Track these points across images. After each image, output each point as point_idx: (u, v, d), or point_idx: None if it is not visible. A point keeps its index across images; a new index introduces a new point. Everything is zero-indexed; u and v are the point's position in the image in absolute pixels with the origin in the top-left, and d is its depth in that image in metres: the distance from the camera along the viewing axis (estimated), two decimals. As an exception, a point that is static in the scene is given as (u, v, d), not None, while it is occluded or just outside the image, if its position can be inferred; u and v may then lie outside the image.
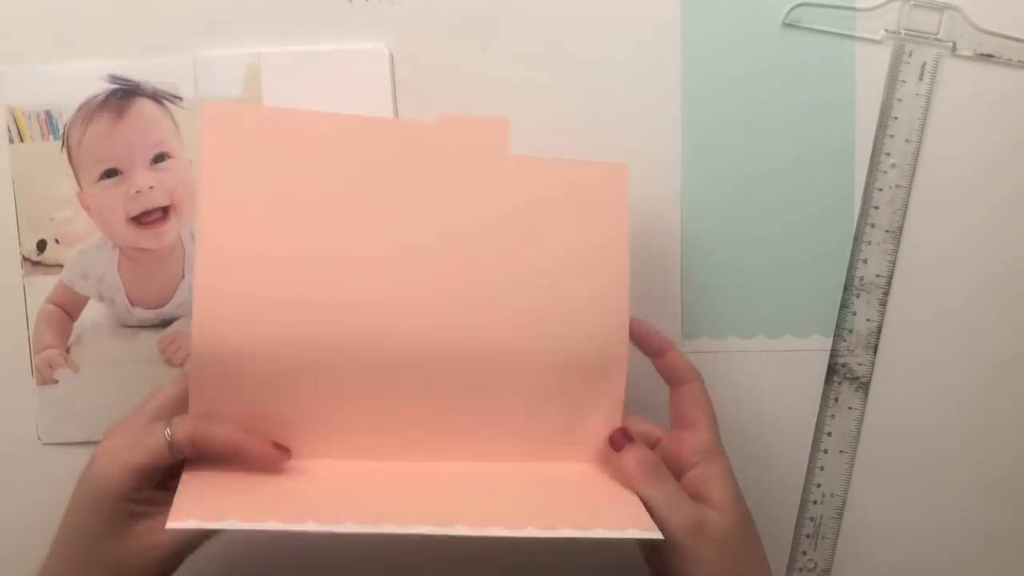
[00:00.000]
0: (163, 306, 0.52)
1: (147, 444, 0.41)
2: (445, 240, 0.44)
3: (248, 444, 0.42)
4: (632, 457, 0.44)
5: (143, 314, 0.52)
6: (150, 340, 0.52)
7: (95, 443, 0.52)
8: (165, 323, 0.52)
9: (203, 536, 0.42)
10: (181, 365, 0.52)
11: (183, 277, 0.52)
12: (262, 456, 0.42)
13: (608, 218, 0.46)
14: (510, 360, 0.45)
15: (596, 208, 0.45)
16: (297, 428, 0.44)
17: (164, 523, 0.39)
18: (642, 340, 0.47)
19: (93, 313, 0.52)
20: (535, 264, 0.45)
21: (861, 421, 0.53)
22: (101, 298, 0.52)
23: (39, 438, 0.53)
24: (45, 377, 0.52)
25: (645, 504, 0.42)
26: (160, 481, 0.42)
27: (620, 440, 0.45)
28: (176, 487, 0.41)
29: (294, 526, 0.38)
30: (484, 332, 0.45)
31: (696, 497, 0.43)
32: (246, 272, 0.42)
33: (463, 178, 0.45)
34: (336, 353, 0.43)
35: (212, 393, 0.42)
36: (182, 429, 0.41)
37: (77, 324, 0.52)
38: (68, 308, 0.52)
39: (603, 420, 0.46)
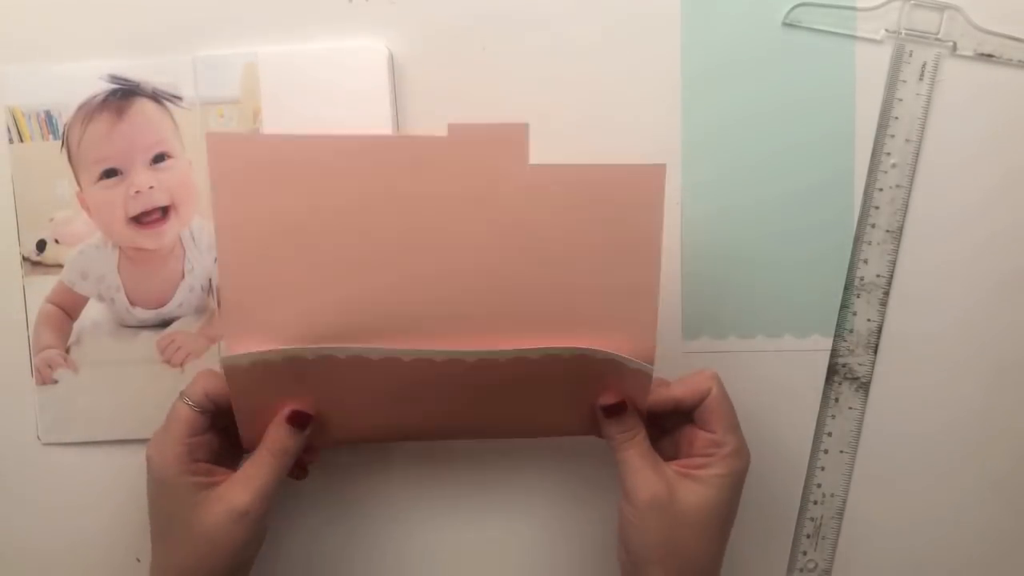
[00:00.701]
0: (163, 306, 0.53)
1: (173, 418, 0.46)
2: (469, 254, 0.44)
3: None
4: (616, 426, 0.47)
5: (143, 314, 0.53)
6: (150, 340, 0.53)
7: (95, 443, 0.53)
8: (165, 323, 0.53)
9: (278, 489, 0.46)
10: (181, 365, 0.52)
11: (183, 277, 0.52)
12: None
13: (640, 217, 0.44)
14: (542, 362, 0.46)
15: (629, 210, 0.44)
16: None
17: (235, 485, 0.45)
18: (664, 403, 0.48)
19: (93, 313, 0.53)
20: (564, 269, 0.45)
21: (861, 421, 0.53)
22: (101, 298, 0.53)
23: (39, 438, 0.54)
24: (45, 377, 0.53)
25: (619, 466, 0.46)
26: (216, 458, 0.47)
27: (612, 410, 0.47)
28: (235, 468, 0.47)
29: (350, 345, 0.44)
30: (516, 336, 0.45)
31: (684, 477, 0.46)
32: (268, 300, 0.44)
33: (483, 192, 0.44)
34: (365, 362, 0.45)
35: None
36: (194, 388, 0.46)
37: (77, 324, 0.53)
38: (68, 308, 0.53)
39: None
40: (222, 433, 0.47)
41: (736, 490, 0.47)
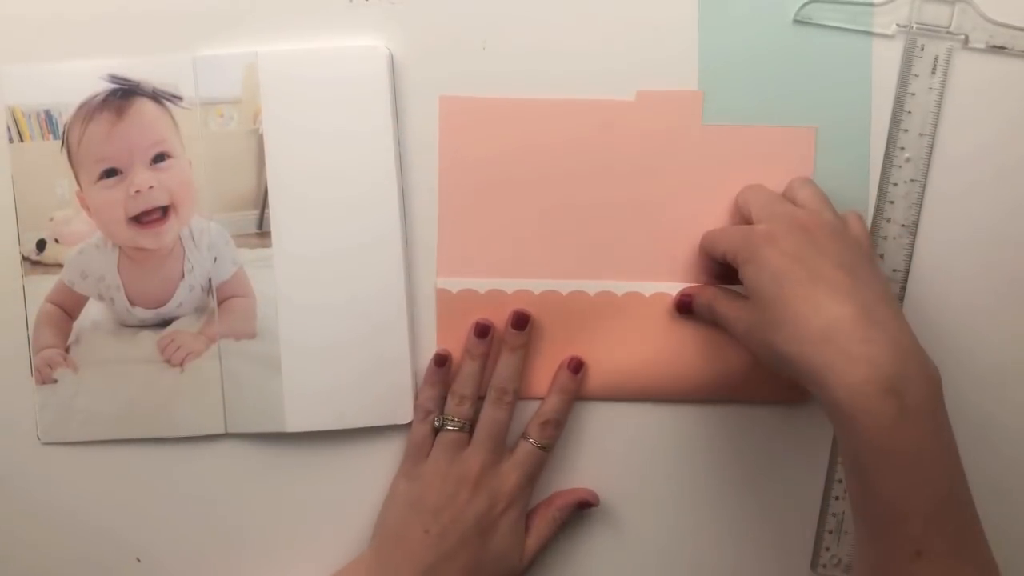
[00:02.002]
0: (163, 306, 0.54)
1: (527, 462, 0.53)
2: (646, 200, 0.53)
3: None
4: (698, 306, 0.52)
5: (143, 314, 0.54)
6: (150, 340, 0.54)
7: (95, 443, 0.55)
8: (165, 323, 0.54)
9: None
10: (181, 365, 0.54)
11: (183, 277, 0.53)
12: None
13: (795, 172, 0.52)
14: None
15: (785, 165, 0.52)
16: None
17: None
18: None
19: (93, 313, 0.54)
20: (731, 216, 0.53)
21: None
22: (101, 298, 0.54)
23: (38, 438, 0.55)
24: (44, 377, 0.54)
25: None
26: None
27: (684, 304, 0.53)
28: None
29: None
30: (686, 272, 0.54)
31: None
32: (477, 239, 0.53)
33: (663, 148, 0.53)
34: (550, 301, 0.54)
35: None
36: (546, 432, 0.53)
37: (77, 324, 0.54)
38: (68, 308, 0.54)
39: None
40: None
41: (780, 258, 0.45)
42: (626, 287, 0.53)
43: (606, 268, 0.53)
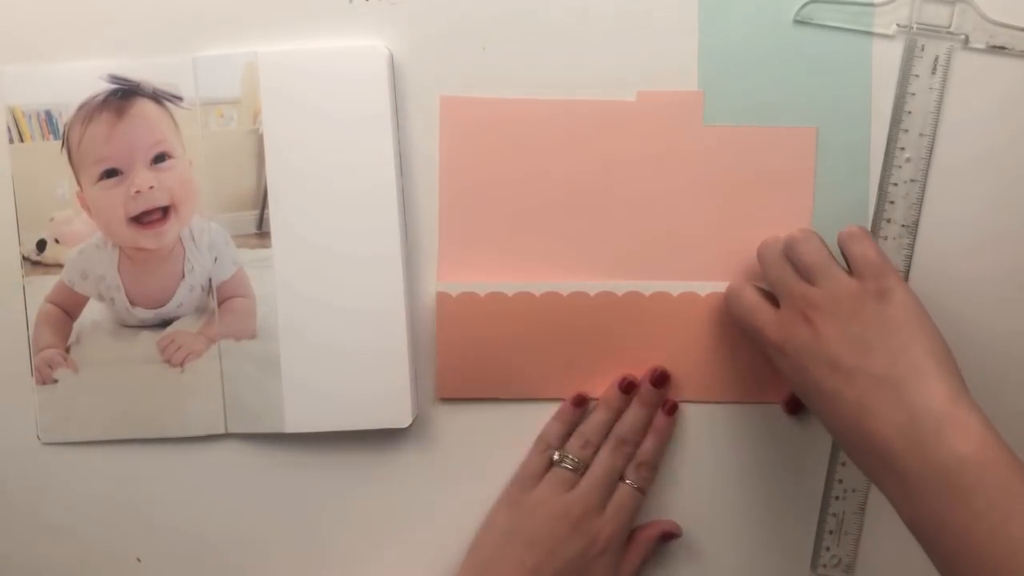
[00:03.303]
0: (163, 306, 0.54)
1: (628, 509, 0.54)
2: (647, 200, 0.54)
3: None
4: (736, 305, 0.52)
5: (143, 314, 0.54)
6: (150, 340, 0.54)
7: (95, 443, 0.55)
8: (165, 323, 0.54)
9: None
10: (181, 365, 0.54)
11: (183, 277, 0.54)
12: None
13: (796, 173, 0.54)
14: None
15: (785, 165, 0.53)
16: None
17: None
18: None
19: (93, 313, 0.54)
20: (729, 217, 0.54)
21: None
22: (101, 298, 0.54)
23: (39, 438, 0.55)
24: (45, 377, 0.55)
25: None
26: None
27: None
28: None
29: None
30: (685, 272, 0.54)
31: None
32: (478, 241, 0.54)
33: (663, 148, 0.54)
34: (551, 303, 0.54)
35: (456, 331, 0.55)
36: (647, 479, 0.55)
37: (77, 324, 0.54)
38: (68, 308, 0.54)
39: None
40: None
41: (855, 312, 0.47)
42: (627, 287, 0.54)
43: (607, 269, 0.54)
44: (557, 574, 0.52)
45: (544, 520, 0.53)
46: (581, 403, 0.55)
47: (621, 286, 0.54)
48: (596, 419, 0.55)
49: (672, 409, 0.55)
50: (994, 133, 0.53)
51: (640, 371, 0.55)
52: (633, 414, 0.54)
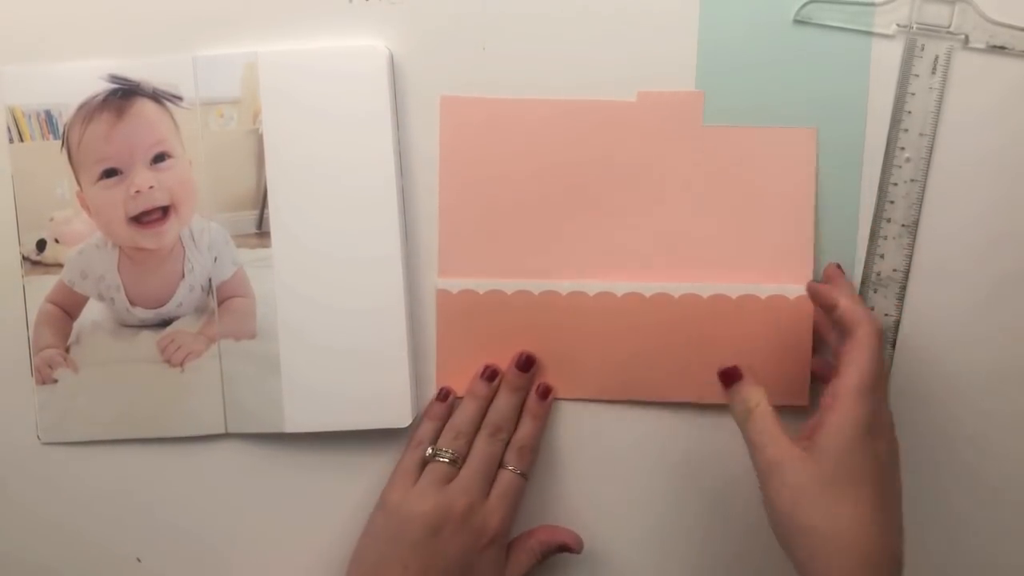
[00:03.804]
0: (163, 306, 0.54)
1: (513, 492, 0.54)
2: (646, 200, 0.54)
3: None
4: (732, 398, 0.49)
5: (143, 314, 0.55)
6: (150, 340, 0.55)
7: (95, 443, 0.55)
8: (165, 323, 0.54)
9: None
10: (181, 365, 0.54)
11: (183, 277, 0.54)
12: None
13: (797, 174, 0.53)
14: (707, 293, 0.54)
15: (786, 166, 0.53)
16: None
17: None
18: (814, 297, 0.51)
19: (93, 313, 0.55)
20: (730, 219, 0.54)
21: None
22: (101, 298, 0.55)
23: (38, 438, 0.56)
24: (44, 377, 0.55)
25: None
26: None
27: (729, 377, 0.49)
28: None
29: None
30: (685, 273, 0.54)
31: (808, 438, 0.46)
32: (478, 240, 0.55)
33: (664, 148, 0.54)
34: (550, 301, 0.55)
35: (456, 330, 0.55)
36: (526, 461, 0.54)
37: (77, 324, 0.55)
38: (68, 308, 0.55)
39: None
40: None
41: (850, 454, 0.45)
42: (626, 287, 0.54)
43: (606, 268, 0.55)
44: (444, 573, 0.51)
45: (425, 519, 0.51)
46: (445, 397, 0.55)
47: (620, 287, 0.54)
48: (465, 410, 0.54)
49: (545, 392, 0.55)
50: (994, 133, 0.53)
51: (639, 372, 0.55)
52: (503, 400, 0.54)
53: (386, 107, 0.53)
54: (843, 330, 0.48)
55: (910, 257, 0.54)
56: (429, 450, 0.53)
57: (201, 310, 0.55)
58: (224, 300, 0.54)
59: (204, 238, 0.54)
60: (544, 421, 0.55)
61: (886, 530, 0.45)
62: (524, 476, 0.54)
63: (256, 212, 0.54)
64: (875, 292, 0.54)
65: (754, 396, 0.48)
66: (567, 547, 0.55)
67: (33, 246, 0.54)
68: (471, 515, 0.52)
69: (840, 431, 0.45)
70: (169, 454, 0.56)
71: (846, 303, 0.48)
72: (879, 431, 0.46)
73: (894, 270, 0.54)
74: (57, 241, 0.54)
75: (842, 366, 0.46)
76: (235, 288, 0.54)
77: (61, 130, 0.53)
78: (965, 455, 0.55)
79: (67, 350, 0.55)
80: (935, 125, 0.53)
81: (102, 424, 0.55)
